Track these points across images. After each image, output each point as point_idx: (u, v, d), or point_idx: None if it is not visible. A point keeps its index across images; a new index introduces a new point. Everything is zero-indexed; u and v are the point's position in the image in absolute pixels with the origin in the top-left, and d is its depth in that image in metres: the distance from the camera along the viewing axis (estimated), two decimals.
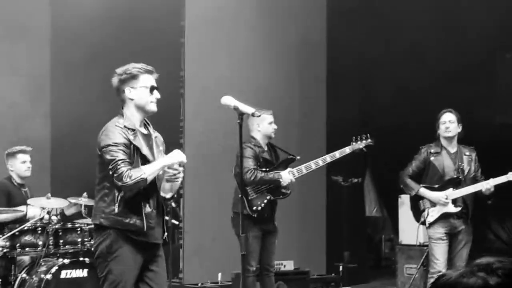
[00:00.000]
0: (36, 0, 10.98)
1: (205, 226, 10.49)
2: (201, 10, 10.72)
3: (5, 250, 7.75)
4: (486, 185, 7.81)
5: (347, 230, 10.88)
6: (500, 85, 12.21)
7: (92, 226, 5.95)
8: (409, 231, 10.18)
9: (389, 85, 12.00)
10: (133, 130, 5.43)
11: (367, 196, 13.14)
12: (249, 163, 7.76)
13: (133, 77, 5.49)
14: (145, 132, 5.58)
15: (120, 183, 5.24)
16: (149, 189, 5.41)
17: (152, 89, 5.54)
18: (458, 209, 7.94)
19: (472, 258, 8.13)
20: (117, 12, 10.80)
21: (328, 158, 8.11)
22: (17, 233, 7.80)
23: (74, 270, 7.72)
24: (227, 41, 10.93)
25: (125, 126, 5.40)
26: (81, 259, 7.91)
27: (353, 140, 8.21)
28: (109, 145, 5.32)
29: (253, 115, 5.97)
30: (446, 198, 7.90)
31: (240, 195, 7.06)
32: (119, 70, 5.54)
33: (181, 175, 5.53)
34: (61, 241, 7.93)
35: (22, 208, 8.19)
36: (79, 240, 8.04)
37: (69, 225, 8.08)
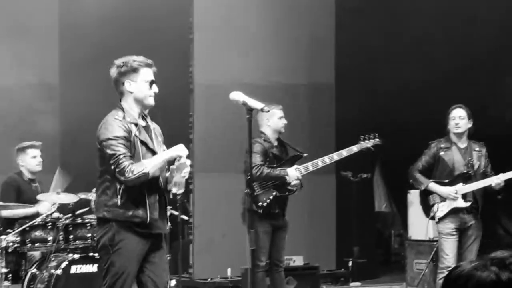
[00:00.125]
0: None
1: (214, 221, 10.50)
2: (209, 7, 10.73)
3: (15, 245, 7.77)
4: (496, 180, 7.80)
5: (357, 226, 10.89)
6: (510, 80, 12.17)
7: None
8: (419, 226, 10.17)
9: (398, 80, 11.96)
10: (136, 124, 5.44)
11: (377, 191, 13.12)
12: (256, 159, 7.75)
13: (134, 70, 5.49)
14: (144, 124, 5.58)
15: (122, 178, 5.26)
16: (152, 180, 5.41)
17: (151, 83, 5.53)
18: (468, 204, 7.93)
19: (481, 253, 8.13)
20: (125, 10, 10.82)
21: (336, 156, 8.09)
22: (27, 229, 7.82)
23: (84, 265, 7.73)
24: (236, 37, 10.93)
25: (124, 119, 5.41)
26: (91, 254, 7.92)
27: (361, 138, 8.19)
28: (109, 138, 5.33)
29: (262, 110, 5.96)
30: (456, 193, 7.89)
31: (245, 192, 7.07)
32: (119, 62, 5.53)
33: (189, 168, 5.51)
34: (71, 236, 7.94)
35: (33, 209, 8.20)
36: (89, 235, 8.05)
37: (79, 221, 8.09)
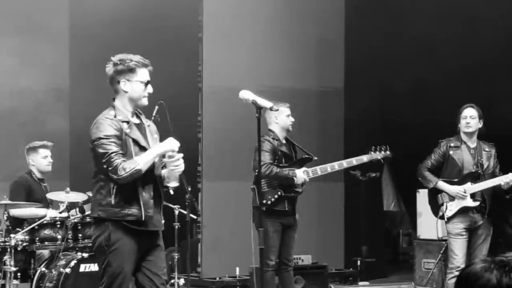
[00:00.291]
0: (55, 0, 11.02)
1: (223, 220, 10.51)
2: (218, 5, 10.74)
3: (24, 244, 7.79)
4: (506, 179, 7.78)
5: (365, 225, 10.88)
6: None
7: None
8: (427, 225, 10.17)
9: (407, 80, 11.96)
10: (127, 122, 5.43)
11: (385, 190, 13.11)
12: (265, 157, 7.77)
13: (130, 70, 5.48)
14: (137, 121, 5.56)
15: (115, 176, 5.25)
16: (145, 177, 5.39)
17: (146, 83, 5.53)
18: (477, 203, 7.92)
19: (491, 252, 8.12)
20: (134, 10, 10.85)
21: (345, 163, 8.12)
22: (36, 227, 7.84)
23: (93, 264, 7.73)
24: (245, 36, 10.94)
25: (115, 117, 5.39)
26: None
27: (372, 149, 8.21)
28: (100, 138, 5.32)
29: (271, 109, 5.97)
30: (465, 192, 7.88)
31: (252, 188, 7.06)
32: (115, 59, 5.52)
33: (181, 161, 5.47)
34: (80, 235, 7.96)
35: (43, 211, 8.22)
36: None
37: (88, 219, 8.11)
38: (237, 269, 10.26)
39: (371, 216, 11.38)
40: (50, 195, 8.31)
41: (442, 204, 8.01)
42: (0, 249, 7.60)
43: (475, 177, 7.94)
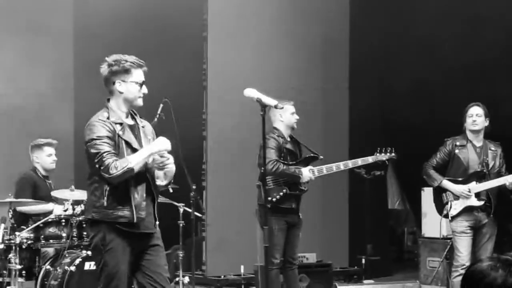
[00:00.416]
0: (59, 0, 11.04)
1: (228, 218, 10.51)
2: (223, 4, 10.74)
3: (29, 242, 7.80)
4: (510, 179, 7.78)
5: (370, 223, 10.88)
6: None
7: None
8: (432, 224, 10.15)
9: (411, 80, 11.96)
10: (121, 124, 5.43)
11: (390, 188, 13.10)
12: (271, 154, 7.79)
13: (125, 71, 5.46)
14: (131, 123, 5.55)
15: (107, 175, 5.25)
16: (138, 179, 5.39)
17: (141, 84, 5.51)
18: (481, 202, 7.91)
19: (496, 251, 8.12)
20: (138, 9, 10.85)
21: (350, 163, 8.17)
22: (41, 225, 7.85)
23: None
24: (250, 34, 10.93)
25: (108, 119, 5.39)
26: None
27: (377, 151, 8.24)
28: (93, 139, 5.32)
29: (276, 107, 5.96)
30: (469, 191, 7.87)
31: (257, 184, 7.06)
32: (110, 60, 5.51)
33: (171, 161, 5.46)
34: (84, 233, 7.96)
35: (50, 206, 8.24)
36: None
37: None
38: (242, 267, 10.26)
39: (375, 215, 11.38)
40: (55, 193, 8.32)
41: (447, 203, 8.01)
42: (5, 247, 7.61)
43: (481, 177, 7.93)
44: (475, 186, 7.89)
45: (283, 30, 11.23)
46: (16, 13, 10.49)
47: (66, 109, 10.67)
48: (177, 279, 9.06)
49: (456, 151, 8.01)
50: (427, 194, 10.05)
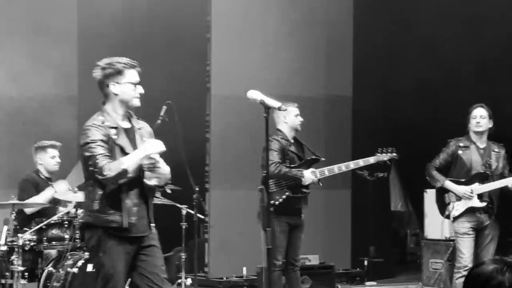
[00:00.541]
0: (63, 1, 11.02)
1: (230, 220, 10.51)
2: (227, 6, 10.74)
3: (32, 244, 7.79)
4: None
5: (373, 225, 10.87)
6: None
7: None
8: (435, 225, 10.16)
9: (414, 80, 11.95)
10: (115, 128, 5.42)
11: (393, 190, 13.10)
12: (274, 156, 7.78)
13: (119, 72, 5.46)
14: (127, 126, 5.54)
15: (101, 177, 5.24)
16: (130, 183, 5.38)
17: (136, 84, 5.50)
18: (484, 204, 7.91)
19: (498, 253, 8.11)
20: (143, 9, 10.85)
21: (352, 165, 8.15)
22: (44, 227, 7.85)
23: None
24: (253, 36, 10.94)
25: (103, 123, 5.38)
26: None
27: (379, 151, 8.23)
28: (87, 143, 5.33)
29: (279, 109, 5.96)
30: (471, 192, 7.87)
31: (259, 188, 7.06)
32: (102, 63, 5.52)
33: (160, 164, 5.42)
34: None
35: (49, 191, 8.24)
36: None
37: None
38: (244, 269, 10.26)
39: (378, 216, 11.37)
40: (58, 195, 8.31)
41: (449, 204, 8.01)
42: (8, 249, 7.60)
43: (483, 178, 7.93)
44: (477, 187, 7.89)
45: (286, 32, 11.23)
46: (20, 14, 10.49)
47: (70, 111, 10.65)
48: (179, 281, 9.04)
49: (459, 152, 8.00)
50: (430, 196, 10.05)
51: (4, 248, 7.54)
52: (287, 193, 7.88)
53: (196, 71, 10.93)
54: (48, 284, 7.74)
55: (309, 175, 7.92)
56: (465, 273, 7.71)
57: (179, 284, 9.02)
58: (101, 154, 5.28)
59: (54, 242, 7.91)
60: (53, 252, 8.16)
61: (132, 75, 5.50)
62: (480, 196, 7.90)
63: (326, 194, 10.90)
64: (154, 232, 5.62)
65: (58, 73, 10.43)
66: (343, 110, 11.72)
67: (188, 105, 9.55)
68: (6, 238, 7.55)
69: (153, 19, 11.12)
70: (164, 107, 7.70)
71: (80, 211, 8.02)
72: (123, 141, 5.44)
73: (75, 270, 7.63)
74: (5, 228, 7.55)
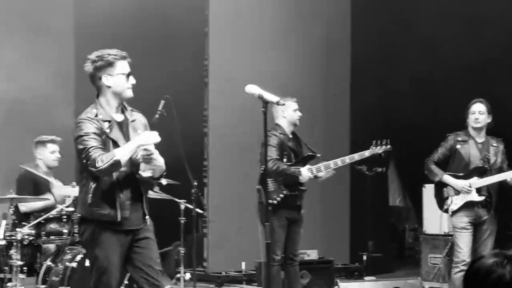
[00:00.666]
0: None
1: (229, 215, 10.52)
2: (225, 0, 10.73)
3: (30, 238, 7.79)
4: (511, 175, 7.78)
5: (371, 220, 10.87)
6: None
7: None
8: (433, 220, 10.16)
9: (412, 79, 11.96)
10: (109, 121, 5.43)
11: (391, 185, 13.11)
12: (272, 152, 7.78)
13: (110, 64, 5.46)
14: (121, 119, 5.54)
15: (94, 169, 5.25)
16: (124, 178, 5.39)
17: (128, 75, 5.51)
18: (482, 198, 7.90)
19: (497, 247, 8.11)
20: (140, 5, 10.84)
21: (348, 159, 8.13)
22: (42, 221, 7.84)
23: None
24: (251, 31, 10.94)
25: (97, 116, 5.39)
26: None
27: (373, 144, 8.22)
28: (80, 136, 5.34)
29: (277, 103, 5.95)
30: (470, 186, 7.87)
31: (257, 188, 7.06)
32: (93, 57, 5.51)
33: (155, 155, 5.39)
34: None
35: (49, 196, 8.23)
36: None
37: None
38: (243, 263, 10.27)
39: (377, 211, 11.38)
40: (56, 190, 8.31)
41: (447, 198, 8.01)
42: (7, 243, 7.60)
43: (482, 172, 7.93)
44: (476, 181, 7.89)
45: (285, 29, 11.24)
46: (17, 12, 10.49)
47: (67, 108, 10.66)
48: (178, 275, 9.05)
49: (458, 146, 8.00)
50: (428, 191, 10.06)
51: (3, 242, 7.55)
52: (284, 192, 7.88)
53: (194, 65, 10.93)
54: (47, 279, 7.75)
55: (306, 173, 7.92)
56: (463, 267, 7.72)
57: (178, 279, 9.03)
58: (94, 146, 5.28)
59: (52, 237, 7.91)
60: (51, 247, 8.16)
61: (123, 66, 5.50)
62: (479, 190, 7.90)
63: (325, 189, 10.90)
64: (149, 224, 5.62)
65: (56, 70, 10.44)
66: (341, 109, 11.73)
67: (186, 100, 9.56)
68: (4, 233, 7.55)
69: (151, 15, 11.11)
70: (162, 102, 7.71)
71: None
72: (116, 134, 5.44)
73: (74, 264, 7.63)
74: (4, 222, 7.55)
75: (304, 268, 9.19)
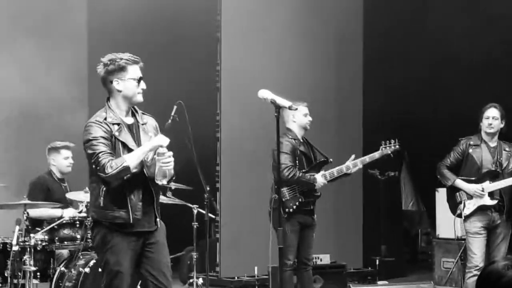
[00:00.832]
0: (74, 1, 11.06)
1: (241, 219, 10.51)
2: (236, 4, 10.74)
3: (44, 244, 7.81)
4: None
5: (384, 224, 10.87)
6: None
7: None
8: (446, 224, 10.13)
9: (427, 78, 11.93)
10: (118, 124, 5.44)
11: (404, 189, 13.08)
12: (286, 159, 7.79)
13: (121, 68, 5.47)
14: (131, 121, 5.55)
15: (103, 175, 5.27)
16: (135, 179, 5.40)
17: (139, 80, 5.52)
18: (495, 202, 7.89)
19: (511, 252, 8.09)
20: (153, 9, 10.86)
21: (359, 162, 8.13)
22: (55, 227, 7.86)
23: None
24: (263, 35, 10.94)
25: (105, 120, 5.40)
26: None
27: (383, 145, 8.21)
28: (89, 140, 5.35)
29: (290, 108, 5.94)
30: (482, 190, 7.85)
31: (275, 193, 7.06)
32: (105, 60, 5.53)
33: (170, 159, 5.39)
34: None
35: (58, 211, 8.25)
36: None
37: None
38: (256, 268, 10.26)
39: (390, 216, 11.37)
40: (69, 195, 8.34)
41: (460, 202, 7.99)
42: (20, 249, 7.61)
43: (494, 176, 7.91)
44: (488, 185, 7.87)
45: (296, 30, 11.23)
46: (30, 14, 10.52)
47: (81, 111, 10.68)
48: (191, 280, 9.06)
49: (470, 150, 7.99)
50: (441, 195, 10.04)
51: (16, 248, 7.55)
52: (300, 199, 7.90)
53: (206, 70, 10.94)
54: (60, 284, 7.76)
55: (320, 179, 7.95)
56: (476, 272, 7.70)
57: (191, 284, 9.04)
58: (103, 151, 5.30)
59: (66, 242, 7.93)
60: (65, 252, 8.18)
61: (134, 70, 5.51)
62: (491, 194, 7.89)
63: (338, 194, 10.89)
64: (160, 227, 5.62)
65: (69, 73, 10.46)
66: (354, 109, 11.71)
67: (199, 105, 9.56)
68: (18, 238, 7.56)
69: (163, 19, 11.14)
70: (175, 107, 7.70)
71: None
72: (126, 136, 5.45)
73: (87, 270, 7.64)
74: (17, 228, 7.56)
75: (317, 272, 9.20)
